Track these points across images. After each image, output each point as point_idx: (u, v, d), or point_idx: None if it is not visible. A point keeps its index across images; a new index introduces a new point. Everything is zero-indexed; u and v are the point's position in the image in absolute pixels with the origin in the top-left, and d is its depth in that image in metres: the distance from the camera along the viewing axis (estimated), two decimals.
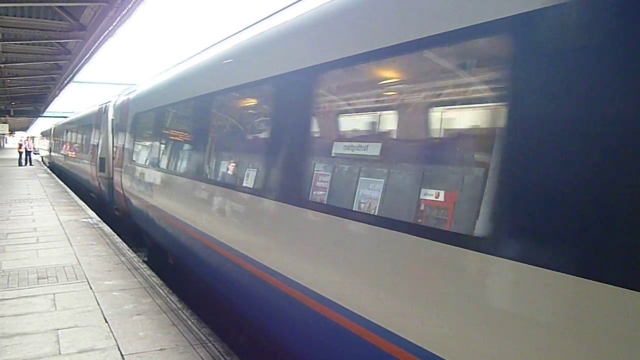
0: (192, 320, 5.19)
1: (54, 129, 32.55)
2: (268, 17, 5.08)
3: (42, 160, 42.92)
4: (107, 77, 50.77)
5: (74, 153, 21.04)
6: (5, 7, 10.49)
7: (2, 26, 11.98)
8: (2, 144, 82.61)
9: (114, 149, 12.06)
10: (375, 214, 3.02)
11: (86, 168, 16.79)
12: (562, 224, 1.94)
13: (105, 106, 13.98)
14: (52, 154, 33.43)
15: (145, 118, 9.42)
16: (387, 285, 2.81)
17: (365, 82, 3.56)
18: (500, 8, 2.23)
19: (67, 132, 24.78)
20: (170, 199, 7.25)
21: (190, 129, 6.94)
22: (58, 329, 4.88)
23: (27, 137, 41.86)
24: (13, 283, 6.37)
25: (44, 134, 46.38)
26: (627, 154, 1.76)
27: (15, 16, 11.49)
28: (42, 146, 48.53)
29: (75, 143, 20.67)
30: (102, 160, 13.20)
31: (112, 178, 12.00)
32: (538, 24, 2.08)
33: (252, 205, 4.63)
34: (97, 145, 14.39)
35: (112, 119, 12.70)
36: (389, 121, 3.47)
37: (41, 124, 53.93)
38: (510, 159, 2.17)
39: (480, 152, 2.62)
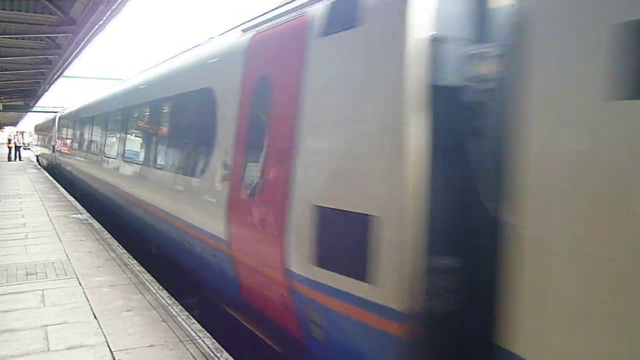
0: (182, 317, 5.19)
1: (59, 120, 22.87)
2: None
3: (38, 160, 36.10)
4: (97, 72, 50.32)
5: (123, 165, 9.74)
6: None
7: None
8: None
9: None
10: None
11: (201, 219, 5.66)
12: None
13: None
14: (57, 154, 22.71)
15: None
16: None
17: None
18: None
19: (94, 121, 13.58)
20: None
21: None
22: (47, 326, 4.86)
23: (17, 132, 41.47)
24: (1, 279, 6.33)
25: (41, 128, 34.76)
26: None
27: (4, 9, 11.32)
28: (39, 142, 37.09)
29: (140, 145, 8.88)
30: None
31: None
32: None
33: None
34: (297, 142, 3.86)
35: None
36: None
37: (31, 119, 53.41)
38: None
39: None
